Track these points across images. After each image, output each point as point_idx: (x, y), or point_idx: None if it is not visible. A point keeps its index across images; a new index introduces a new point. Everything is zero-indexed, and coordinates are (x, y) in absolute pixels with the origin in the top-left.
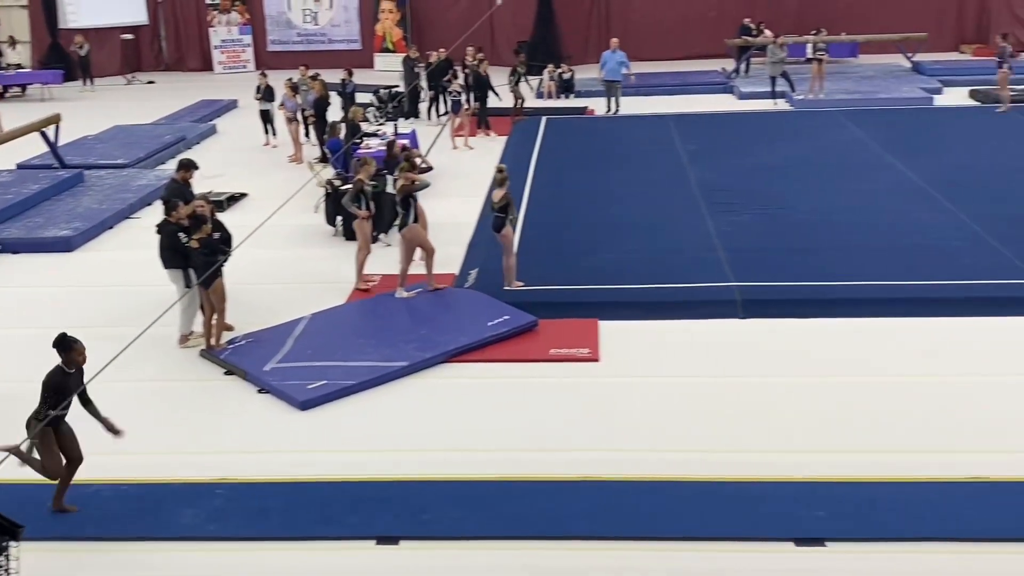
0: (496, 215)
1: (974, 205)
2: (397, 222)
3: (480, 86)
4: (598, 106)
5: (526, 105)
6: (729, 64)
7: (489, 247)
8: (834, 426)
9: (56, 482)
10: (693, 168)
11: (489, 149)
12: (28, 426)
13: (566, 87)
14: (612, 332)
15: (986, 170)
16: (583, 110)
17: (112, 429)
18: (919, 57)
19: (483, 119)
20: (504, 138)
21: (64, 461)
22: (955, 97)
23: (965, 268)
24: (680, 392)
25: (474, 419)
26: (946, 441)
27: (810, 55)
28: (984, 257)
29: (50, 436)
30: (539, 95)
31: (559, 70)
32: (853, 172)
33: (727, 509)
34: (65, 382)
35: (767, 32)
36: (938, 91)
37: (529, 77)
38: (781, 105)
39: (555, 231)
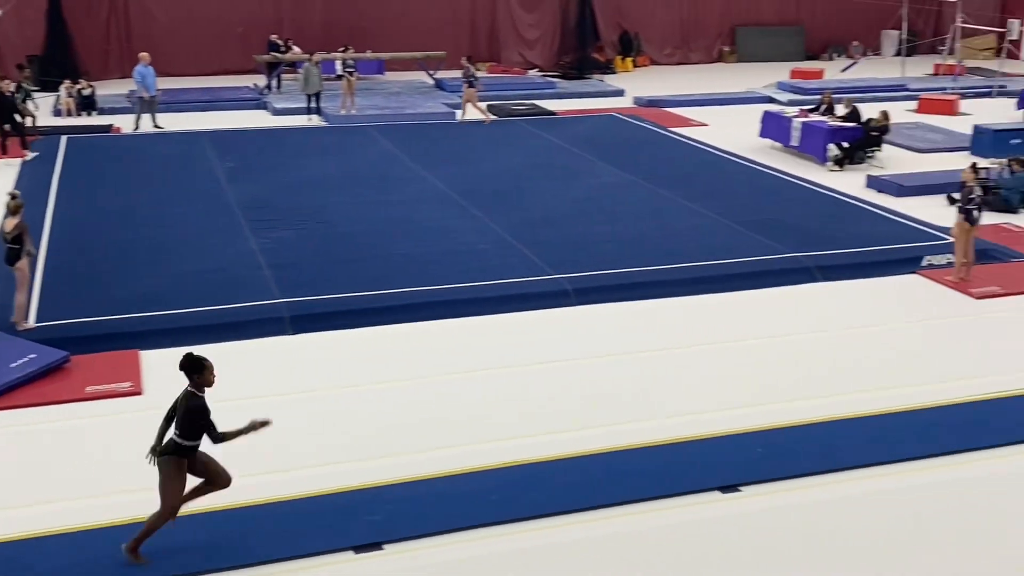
0: (9, 247)
1: (495, 211)
2: None
3: (5, 107)
4: (124, 123)
5: (40, 124)
6: (261, 80)
7: (5, 281)
8: (397, 430)
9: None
10: (232, 186)
11: (1, 173)
12: (160, 455)
13: (87, 104)
14: (156, 362)
15: (503, 178)
16: (108, 128)
17: (258, 425)
18: (440, 74)
19: (4, 141)
20: (18, 160)
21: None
22: (469, 111)
23: (495, 269)
24: (233, 415)
25: (3, 475)
26: (518, 427)
27: (340, 72)
28: (509, 258)
29: (184, 467)
30: (57, 113)
31: (78, 86)
32: (388, 184)
33: (289, 527)
34: (206, 404)
35: (295, 48)
36: (459, 106)
37: (41, 94)
38: (316, 121)
39: (84, 259)
